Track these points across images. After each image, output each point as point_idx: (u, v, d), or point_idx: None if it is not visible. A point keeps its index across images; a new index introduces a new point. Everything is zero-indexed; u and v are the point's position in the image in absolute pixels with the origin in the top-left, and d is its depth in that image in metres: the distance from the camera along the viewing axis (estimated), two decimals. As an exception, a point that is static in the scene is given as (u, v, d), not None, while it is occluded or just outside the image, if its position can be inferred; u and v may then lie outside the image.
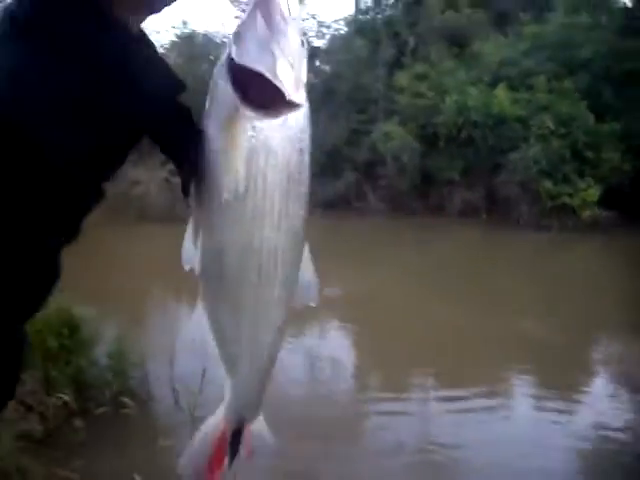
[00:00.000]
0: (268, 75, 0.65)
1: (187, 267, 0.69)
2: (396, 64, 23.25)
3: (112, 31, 0.59)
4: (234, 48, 0.67)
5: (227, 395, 0.75)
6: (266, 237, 0.67)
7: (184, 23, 26.04)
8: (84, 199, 0.63)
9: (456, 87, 20.86)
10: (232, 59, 0.67)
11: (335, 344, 8.76)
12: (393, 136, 20.67)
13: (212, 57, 19.72)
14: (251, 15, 0.68)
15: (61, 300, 6.38)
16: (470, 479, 5.14)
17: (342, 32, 26.86)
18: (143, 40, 0.66)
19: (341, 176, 21.37)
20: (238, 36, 0.68)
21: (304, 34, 0.71)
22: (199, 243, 0.68)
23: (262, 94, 0.67)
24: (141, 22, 0.66)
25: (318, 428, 5.70)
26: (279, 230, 0.68)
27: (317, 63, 27.05)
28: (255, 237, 0.66)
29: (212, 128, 0.67)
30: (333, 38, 26.81)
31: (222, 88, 0.67)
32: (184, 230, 0.71)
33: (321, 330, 9.42)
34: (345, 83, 23.24)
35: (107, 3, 0.59)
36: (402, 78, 22.28)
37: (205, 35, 25.81)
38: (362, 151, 21.71)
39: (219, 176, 0.66)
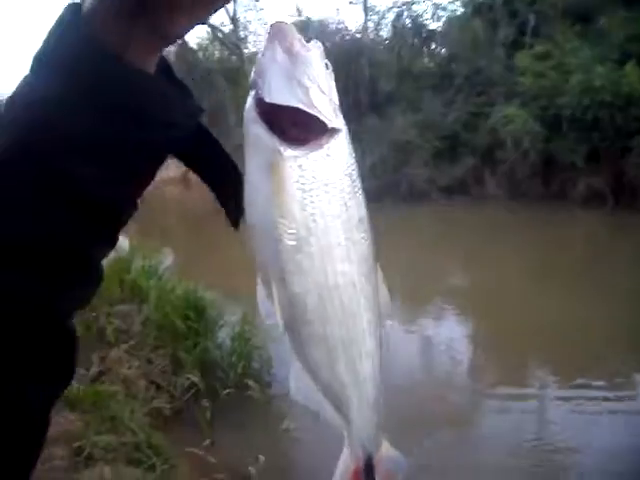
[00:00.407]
0: (305, 108, 0.63)
1: (269, 322, 0.74)
2: (515, 44, 22.38)
3: (125, 74, 0.62)
4: (260, 87, 0.65)
5: (346, 434, 0.75)
6: (340, 271, 0.65)
7: (298, 11, 26.28)
8: (119, 216, 0.67)
9: (581, 66, 19.70)
10: (260, 99, 0.65)
11: (452, 336, 8.54)
12: (513, 119, 19.90)
13: (328, 44, 19.75)
14: (269, 48, 0.66)
15: (187, 284, 6.61)
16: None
17: (458, 13, 26.12)
18: (159, 74, 0.67)
19: (459, 161, 20.89)
20: (261, 73, 0.66)
21: (325, 56, 0.70)
22: (274, 294, 0.67)
23: (299, 128, 0.65)
24: (155, 58, 0.66)
25: (434, 426, 5.62)
26: (350, 261, 0.66)
27: (433, 46, 26.60)
28: (329, 274, 0.65)
29: (257, 178, 0.65)
30: (449, 20, 26.15)
31: (257, 133, 0.65)
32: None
33: (439, 322, 9.26)
34: (462, 65, 22.66)
35: (115, 50, 0.61)
36: (522, 58, 21.37)
37: (320, 22, 25.95)
38: (481, 135, 21.05)
39: (276, 224, 0.64)
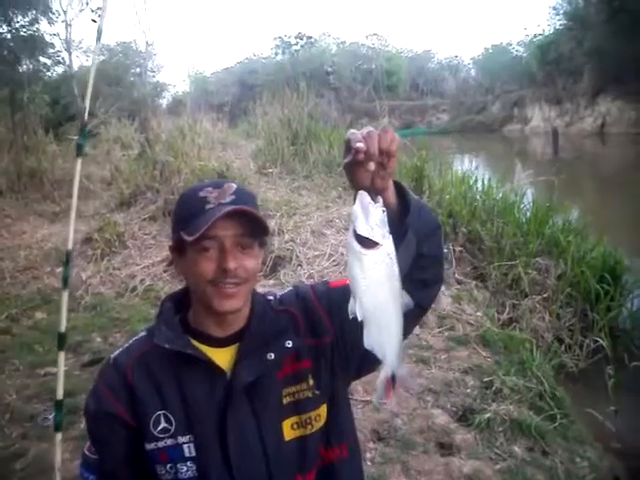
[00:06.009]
0: (373, 238, 1.21)
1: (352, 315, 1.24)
2: None
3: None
4: (355, 224, 1.23)
5: (384, 361, 1.29)
6: (387, 293, 1.24)
7: None
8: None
9: None
10: (355, 230, 1.22)
11: None
12: None
13: None
14: (357, 205, 1.23)
15: (605, 246, 6.41)
16: None
17: None
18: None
19: None
20: (354, 217, 1.24)
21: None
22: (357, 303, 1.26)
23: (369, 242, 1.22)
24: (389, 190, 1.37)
25: None
26: (392, 288, 1.25)
27: None
28: (382, 296, 1.24)
29: (352, 262, 1.25)
30: None
31: (354, 245, 1.23)
32: None
33: None
34: None
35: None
36: None
37: None
38: None
39: (358, 279, 1.23)
